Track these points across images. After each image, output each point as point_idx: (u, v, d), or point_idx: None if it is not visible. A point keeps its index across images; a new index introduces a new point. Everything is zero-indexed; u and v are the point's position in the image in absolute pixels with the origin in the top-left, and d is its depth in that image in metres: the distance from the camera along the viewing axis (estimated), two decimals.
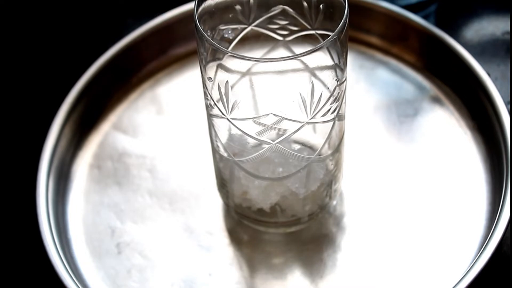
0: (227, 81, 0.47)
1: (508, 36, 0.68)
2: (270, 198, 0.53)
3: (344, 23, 0.46)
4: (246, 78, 0.46)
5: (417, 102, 0.63)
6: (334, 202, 0.57)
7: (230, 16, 0.51)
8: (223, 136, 0.51)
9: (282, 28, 0.53)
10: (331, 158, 0.52)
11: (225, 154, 0.52)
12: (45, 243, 0.54)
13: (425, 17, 0.67)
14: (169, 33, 0.66)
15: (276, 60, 0.44)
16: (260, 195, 0.53)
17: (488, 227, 0.55)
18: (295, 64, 0.45)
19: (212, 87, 0.48)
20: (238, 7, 0.51)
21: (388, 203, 0.58)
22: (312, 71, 0.46)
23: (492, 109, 0.59)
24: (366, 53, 0.66)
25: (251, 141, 0.50)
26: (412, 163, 0.59)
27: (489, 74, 0.61)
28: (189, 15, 0.66)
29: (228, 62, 0.46)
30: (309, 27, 0.51)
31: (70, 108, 0.62)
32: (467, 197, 0.57)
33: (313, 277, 0.54)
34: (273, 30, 0.53)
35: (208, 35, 0.46)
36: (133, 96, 0.65)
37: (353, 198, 0.58)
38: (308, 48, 0.44)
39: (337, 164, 0.54)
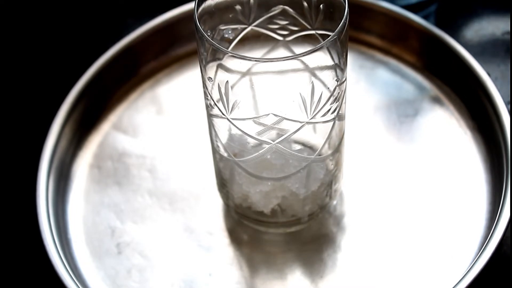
0: (227, 81, 0.47)
1: (508, 36, 0.68)
2: (272, 203, 0.53)
3: (344, 23, 0.46)
4: (246, 78, 0.46)
5: (417, 102, 0.63)
6: (334, 202, 0.57)
7: (230, 16, 0.51)
8: (223, 136, 0.51)
9: (282, 28, 0.53)
10: (331, 158, 0.52)
11: (225, 154, 0.52)
12: (45, 243, 0.54)
13: (425, 17, 0.67)
14: (169, 33, 0.67)
15: (276, 60, 0.44)
16: (262, 200, 0.53)
17: (488, 227, 0.55)
18: (295, 64, 0.45)
19: (212, 87, 0.48)
20: (238, 7, 0.51)
21: (388, 203, 0.58)
22: (312, 71, 0.46)
23: (492, 109, 0.59)
24: (366, 53, 0.66)
25: (251, 141, 0.50)
26: (412, 163, 0.59)
27: (489, 74, 0.61)
28: (189, 15, 0.66)
29: (228, 62, 0.46)
30: (309, 27, 0.51)
31: (70, 108, 0.62)
32: (467, 197, 0.57)
33: (313, 277, 0.54)
34: (273, 30, 0.53)
35: (208, 35, 0.46)
36: (133, 96, 0.65)
37: (353, 198, 0.58)
38: (308, 48, 0.44)
39: (337, 164, 0.54)
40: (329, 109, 0.49)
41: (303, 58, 0.45)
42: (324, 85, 0.47)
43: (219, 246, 0.56)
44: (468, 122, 0.61)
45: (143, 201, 0.59)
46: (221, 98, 0.48)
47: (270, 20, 0.52)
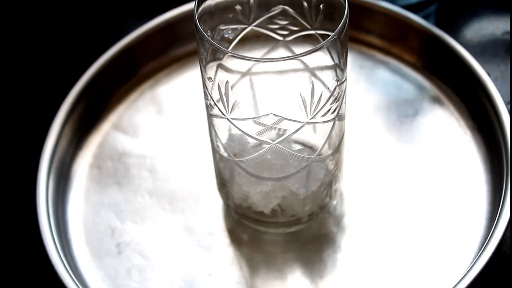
0: (227, 81, 0.47)
1: (508, 36, 0.68)
2: (272, 203, 0.53)
3: (344, 23, 0.46)
4: (246, 78, 0.46)
5: (417, 102, 0.63)
6: (334, 202, 0.57)
7: (230, 16, 0.51)
8: (223, 136, 0.51)
9: (282, 28, 0.53)
10: (331, 158, 0.52)
11: (225, 154, 0.52)
12: (45, 243, 0.54)
13: (425, 17, 0.67)
14: (169, 33, 0.67)
15: (276, 60, 0.44)
16: (262, 200, 0.53)
17: (488, 227, 0.55)
18: (295, 64, 0.45)
19: (212, 87, 0.48)
20: (238, 7, 0.51)
21: (388, 203, 0.58)
22: (312, 71, 0.46)
23: (492, 109, 0.59)
24: (366, 53, 0.66)
25: (251, 141, 0.50)
26: (412, 163, 0.59)
27: (489, 74, 0.61)
28: (189, 15, 0.66)
29: (228, 62, 0.46)
30: (309, 27, 0.51)
31: (70, 108, 0.62)
32: (467, 197, 0.57)
33: (313, 277, 0.54)
34: (273, 30, 0.53)
35: (208, 35, 0.46)
36: (133, 96, 0.65)
37: (353, 198, 0.58)
38: (308, 48, 0.44)
39: (337, 164, 0.54)
40: (329, 109, 0.49)
41: (303, 58, 0.45)
42: (324, 85, 0.47)
43: (219, 246, 0.56)
44: (468, 122, 0.61)
45: (143, 201, 0.59)
46: (221, 98, 0.48)
47: (270, 20, 0.52)
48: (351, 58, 0.65)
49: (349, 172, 0.59)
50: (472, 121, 0.61)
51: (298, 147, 0.51)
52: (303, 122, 0.48)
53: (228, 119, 0.49)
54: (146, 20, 0.66)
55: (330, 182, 0.54)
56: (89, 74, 0.63)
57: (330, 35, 0.45)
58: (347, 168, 0.58)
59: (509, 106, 0.62)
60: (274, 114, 0.48)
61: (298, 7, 0.51)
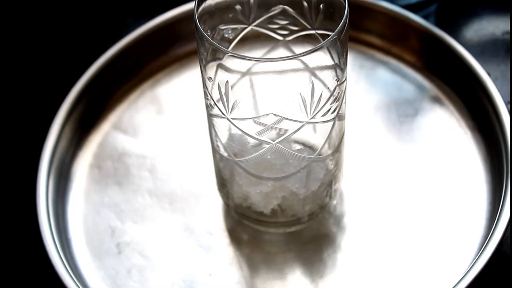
0: (227, 81, 0.47)
1: (508, 36, 0.68)
2: (272, 203, 0.53)
3: (344, 23, 0.46)
4: (246, 78, 0.46)
5: (417, 102, 0.63)
6: (334, 202, 0.57)
7: (230, 16, 0.51)
8: (223, 136, 0.51)
9: (282, 28, 0.53)
10: (331, 158, 0.52)
11: (225, 154, 0.52)
12: (45, 243, 0.54)
13: (425, 17, 0.67)
14: (169, 33, 0.67)
15: (276, 60, 0.44)
16: (262, 201, 0.53)
17: (488, 227, 0.55)
18: (295, 64, 0.45)
19: (212, 87, 0.48)
20: (238, 7, 0.51)
21: (388, 203, 0.58)
22: (312, 71, 0.46)
23: (492, 109, 0.59)
24: (366, 53, 0.66)
25: (251, 141, 0.50)
26: (412, 163, 0.60)
27: (489, 74, 0.61)
28: (189, 15, 0.66)
29: (228, 62, 0.46)
30: (309, 27, 0.51)
31: (70, 108, 0.62)
32: (467, 197, 0.57)
33: (313, 277, 0.54)
34: (273, 30, 0.53)
35: (208, 35, 0.46)
36: (133, 96, 0.65)
37: (353, 198, 0.58)
38: (308, 48, 0.44)
39: (337, 164, 0.54)
40: (329, 109, 0.49)
41: (303, 58, 0.45)
42: (324, 85, 0.47)
43: (219, 246, 0.56)
44: (468, 122, 0.61)
45: (143, 201, 0.59)
46: (221, 98, 0.48)
47: (270, 20, 0.52)
48: (351, 58, 0.65)
49: (349, 172, 0.59)
50: (472, 121, 0.61)
51: (298, 147, 0.51)
52: (303, 122, 0.48)
53: (228, 119, 0.49)
54: (146, 20, 0.66)
55: (330, 182, 0.54)
56: (89, 74, 0.63)
57: (330, 35, 0.45)
58: (347, 168, 0.58)
59: (509, 106, 0.62)
60: (274, 114, 0.48)
61: (298, 7, 0.51)
